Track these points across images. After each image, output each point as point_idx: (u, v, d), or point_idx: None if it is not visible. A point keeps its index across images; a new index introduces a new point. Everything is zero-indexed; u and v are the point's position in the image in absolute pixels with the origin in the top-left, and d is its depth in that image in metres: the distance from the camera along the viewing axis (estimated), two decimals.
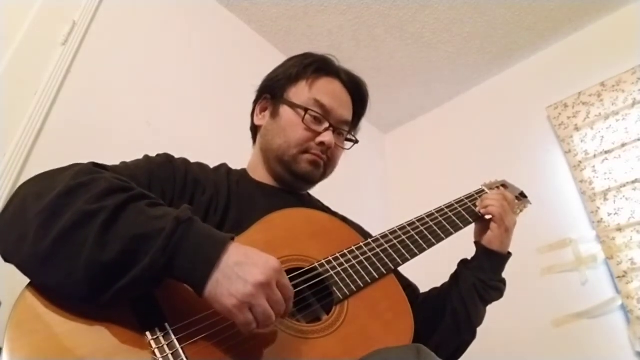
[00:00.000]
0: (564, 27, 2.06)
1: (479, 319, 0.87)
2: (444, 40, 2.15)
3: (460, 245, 0.93)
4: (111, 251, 0.50)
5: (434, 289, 0.94)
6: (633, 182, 1.62)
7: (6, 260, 0.53)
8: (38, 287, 0.52)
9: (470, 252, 0.92)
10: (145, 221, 0.53)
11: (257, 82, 1.00)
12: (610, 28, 1.96)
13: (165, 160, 0.79)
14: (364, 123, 1.06)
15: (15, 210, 0.55)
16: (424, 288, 0.96)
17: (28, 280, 0.52)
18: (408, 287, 0.91)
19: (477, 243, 0.92)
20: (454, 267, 0.92)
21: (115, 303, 0.51)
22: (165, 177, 0.75)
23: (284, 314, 0.56)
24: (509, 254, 0.90)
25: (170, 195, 0.73)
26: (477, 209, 0.92)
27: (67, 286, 0.50)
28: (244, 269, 0.52)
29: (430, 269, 1.02)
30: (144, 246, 0.51)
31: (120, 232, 0.51)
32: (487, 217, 0.91)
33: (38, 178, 0.59)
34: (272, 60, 1.05)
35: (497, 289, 0.86)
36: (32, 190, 0.56)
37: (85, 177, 0.56)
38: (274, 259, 0.55)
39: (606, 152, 1.73)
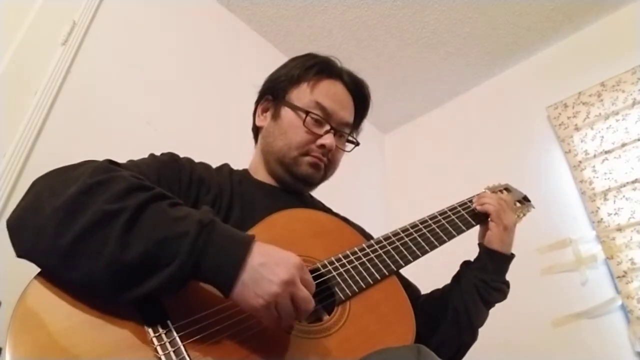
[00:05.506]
0: (564, 27, 2.06)
1: (479, 320, 0.86)
2: (444, 40, 2.15)
3: (465, 248, 0.93)
4: (134, 252, 0.50)
5: (436, 290, 0.94)
6: (633, 182, 1.62)
7: (19, 254, 0.53)
8: (41, 283, 0.52)
9: (472, 255, 0.92)
10: (168, 223, 0.53)
11: (257, 82, 0.99)
12: (610, 28, 1.96)
13: (171, 159, 0.79)
14: (364, 123, 1.05)
15: (29, 206, 0.54)
16: (426, 289, 0.96)
17: (28, 280, 0.52)
18: (408, 287, 0.91)
19: (480, 244, 0.92)
20: (457, 269, 0.92)
21: (136, 302, 0.52)
22: (171, 175, 0.75)
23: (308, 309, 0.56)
24: (512, 255, 0.89)
25: (176, 194, 0.72)
26: (473, 206, 0.92)
27: (87, 284, 0.50)
28: (268, 269, 0.53)
29: (434, 271, 1.02)
30: (169, 249, 0.51)
31: (142, 233, 0.51)
32: (485, 212, 0.90)
33: (52, 174, 0.58)
34: (272, 60, 1.05)
35: (499, 290, 0.85)
36: (47, 186, 0.55)
37: (103, 175, 0.56)
38: (295, 256, 0.56)
39: (606, 152, 1.73)
